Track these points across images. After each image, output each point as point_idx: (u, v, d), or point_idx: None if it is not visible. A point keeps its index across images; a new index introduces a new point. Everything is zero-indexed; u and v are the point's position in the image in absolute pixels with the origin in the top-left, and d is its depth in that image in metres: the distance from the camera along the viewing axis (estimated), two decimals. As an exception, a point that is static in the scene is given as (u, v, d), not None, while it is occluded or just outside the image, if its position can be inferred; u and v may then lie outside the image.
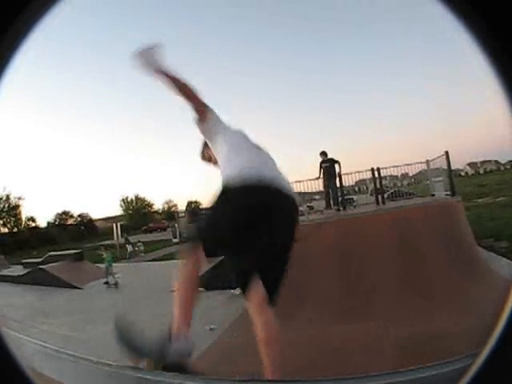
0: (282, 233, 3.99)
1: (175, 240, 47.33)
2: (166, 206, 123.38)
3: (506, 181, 70.80)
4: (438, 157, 18.34)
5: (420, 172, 22.80)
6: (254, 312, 4.14)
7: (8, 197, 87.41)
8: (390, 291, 12.27)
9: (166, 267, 26.97)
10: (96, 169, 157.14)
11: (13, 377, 1.26)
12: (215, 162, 4.83)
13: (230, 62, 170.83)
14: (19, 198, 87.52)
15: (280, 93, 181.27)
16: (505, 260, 15.53)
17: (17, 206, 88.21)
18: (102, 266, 27.04)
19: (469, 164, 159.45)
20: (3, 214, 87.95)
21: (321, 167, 18.21)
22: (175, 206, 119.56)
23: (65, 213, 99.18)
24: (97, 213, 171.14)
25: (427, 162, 19.72)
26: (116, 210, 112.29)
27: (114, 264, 25.97)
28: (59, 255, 30.21)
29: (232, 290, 15.70)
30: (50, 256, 30.28)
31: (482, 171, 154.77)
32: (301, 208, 19.56)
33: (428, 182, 20.49)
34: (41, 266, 26.53)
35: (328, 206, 18.43)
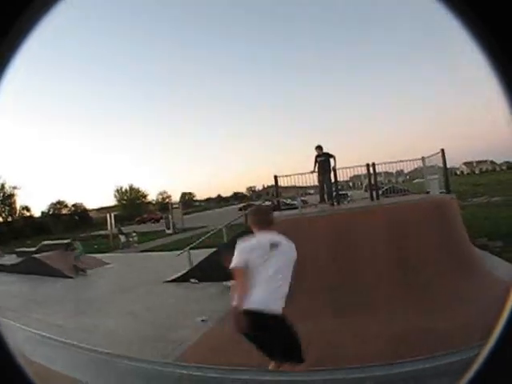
0: None
1: (168, 231, 47.80)
2: (160, 197, 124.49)
3: (501, 181, 71.10)
4: (434, 154, 18.30)
5: (415, 169, 22.71)
6: None
7: (3, 186, 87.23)
8: (383, 286, 12.34)
9: (159, 258, 27.12)
10: (91, 159, 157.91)
11: (12, 376, 1.23)
12: None
13: (232, 57, 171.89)
14: (14, 188, 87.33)
15: (279, 87, 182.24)
16: (498, 259, 15.56)
17: (11, 196, 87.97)
18: (95, 255, 27.26)
19: (465, 163, 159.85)
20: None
21: (316, 161, 18.10)
22: (169, 197, 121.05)
23: (59, 202, 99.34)
24: (91, 203, 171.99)
25: (423, 158, 19.64)
26: (110, 201, 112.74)
27: (107, 254, 27.30)
28: (53, 244, 30.19)
29: (224, 282, 15.72)
30: (43, 245, 30.25)
31: (477, 171, 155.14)
32: (295, 202, 19.59)
33: (423, 179, 20.47)
34: (34, 255, 26.51)
35: (322, 200, 18.33)
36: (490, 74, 1.08)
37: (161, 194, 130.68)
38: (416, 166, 21.30)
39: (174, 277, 18.27)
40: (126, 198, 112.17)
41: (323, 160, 17.78)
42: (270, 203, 25.03)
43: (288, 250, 5.91)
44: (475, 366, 1.14)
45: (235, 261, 5.62)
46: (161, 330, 11.79)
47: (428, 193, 18.67)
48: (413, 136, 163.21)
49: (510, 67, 1.06)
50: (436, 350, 5.45)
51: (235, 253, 5.70)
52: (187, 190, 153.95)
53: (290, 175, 19.32)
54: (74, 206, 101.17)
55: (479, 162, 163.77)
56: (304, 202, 20.17)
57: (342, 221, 14.41)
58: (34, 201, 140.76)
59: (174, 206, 57.75)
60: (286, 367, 5.70)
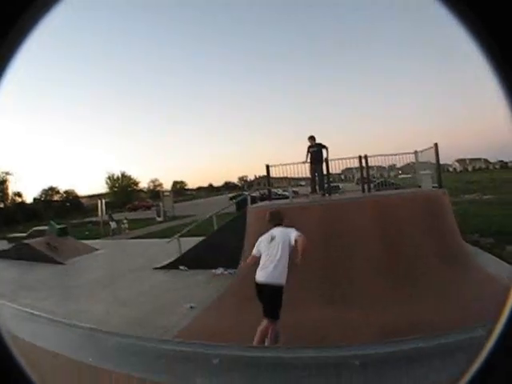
0: None
1: (159, 219, 48.09)
2: (152, 184, 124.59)
3: (494, 179, 71.37)
4: (427, 149, 18.25)
5: (408, 164, 22.67)
6: None
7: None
8: (372, 276, 12.38)
9: (149, 245, 27.15)
10: (84, 146, 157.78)
11: (11, 376, 1.24)
12: None
13: (224, 47, 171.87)
14: (7, 173, 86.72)
15: (274, 78, 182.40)
16: (489, 255, 15.61)
17: (4, 181, 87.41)
18: (86, 242, 27.44)
19: (457, 160, 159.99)
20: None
21: (308, 152, 18.04)
22: (160, 185, 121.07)
23: (51, 189, 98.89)
24: (83, 190, 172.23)
25: (415, 152, 19.62)
26: (102, 188, 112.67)
27: (97, 240, 28.83)
28: (43, 230, 30.19)
29: (213, 270, 15.75)
30: (34, 231, 30.26)
31: (470, 168, 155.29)
32: (286, 192, 19.60)
33: (415, 174, 20.45)
34: (25, 241, 26.45)
35: (313, 190, 18.25)
36: (489, 74, 1.08)
37: (152, 181, 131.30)
38: (409, 161, 21.28)
39: (163, 264, 18.33)
40: (117, 185, 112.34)
41: (316, 150, 17.70)
42: (258, 193, 25.01)
43: (282, 240, 8.48)
44: (476, 366, 1.14)
45: (253, 250, 9.08)
46: (149, 316, 11.87)
47: (420, 187, 18.65)
48: (407, 133, 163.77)
49: (510, 67, 1.06)
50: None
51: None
52: (179, 179, 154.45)
53: (282, 165, 19.21)
54: (65, 192, 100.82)
55: (472, 160, 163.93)
56: (295, 192, 20.14)
57: (332, 211, 14.41)
58: (27, 187, 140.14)
59: (165, 194, 58.21)
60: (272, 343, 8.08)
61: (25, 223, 64.42)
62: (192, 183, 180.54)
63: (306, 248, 7.99)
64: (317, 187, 18.25)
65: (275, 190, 23.56)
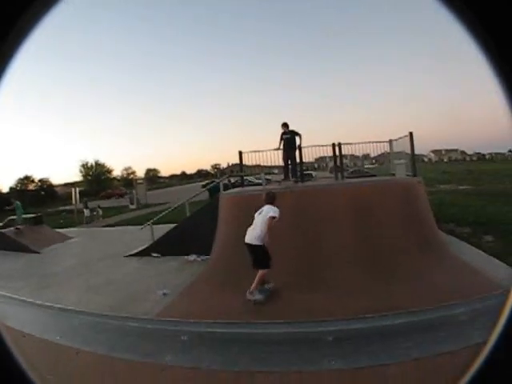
0: None
1: (132, 206, 48.18)
2: (125, 172, 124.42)
3: (471, 171, 71.96)
4: (402, 137, 18.25)
5: (382, 154, 22.65)
6: None
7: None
8: (345, 263, 12.44)
9: (122, 233, 27.13)
10: (58, 134, 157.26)
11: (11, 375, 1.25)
12: None
13: (204, 35, 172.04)
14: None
15: (250, 67, 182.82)
16: (466, 244, 15.71)
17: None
18: (60, 230, 27.35)
19: (433, 151, 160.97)
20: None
21: (281, 138, 17.96)
22: (134, 173, 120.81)
23: (26, 178, 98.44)
24: (58, 178, 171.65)
25: (390, 141, 19.66)
26: (76, 176, 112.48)
27: (72, 229, 29.00)
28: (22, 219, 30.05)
29: (186, 257, 15.72)
30: (9, 220, 30.01)
31: (446, 159, 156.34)
32: (259, 180, 19.58)
33: (390, 163, 20.46)
34: (0, 230, 26.19)
35: (286, 177, 18.17)
36: (471, 67, 1.03)
37: (126, 169, 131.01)
38: (383, 151, 21.25)
39: (136, 251, 18.31)
40: (91, 173, 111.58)
41: (289, 137, 17.64)
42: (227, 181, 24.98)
43: (264, 214, 11.08)
44: (475, 366, 1.14)
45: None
46: (122, 303, 11.83)
47: (393, 175, 18.66)
48: (383, 122, 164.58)
49: (509, 67, 1.05)
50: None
51: None
52: (152, 167, 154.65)
53: (255, 151, 19.17)
54: (40, 181, 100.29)
55: (448, 151, 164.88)
56: (268, 180, 20.09)
57: (305, 197, 14.49)
58: (3, 176, 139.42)
59: (139, 181, 58.59)
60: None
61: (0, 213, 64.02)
62: (165, 171, 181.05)
63: (268, 227, 10.89)
64: (290, 174, 18.19)
65: (248, 178, 23.57)
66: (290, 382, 3.97)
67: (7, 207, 27.16)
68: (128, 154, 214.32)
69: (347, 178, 19.63)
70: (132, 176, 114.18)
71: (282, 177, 18.88)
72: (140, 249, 18.20)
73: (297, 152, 18.02)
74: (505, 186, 39.25)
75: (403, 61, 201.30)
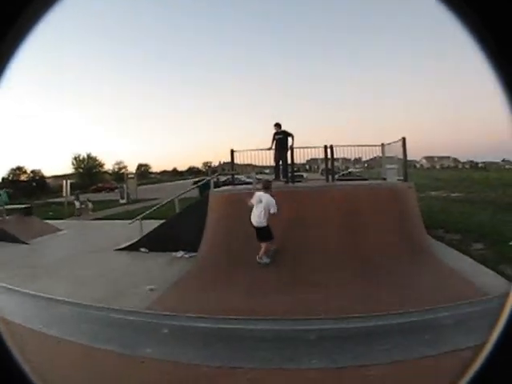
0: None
1: (122, 201, 48.19)
2: (117, 167, 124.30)
3: (463, 178, 71.98)
4: (395, 142, 18.26)
5: (374, 158, 22.65)
6: None
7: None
8: (333, 264, 12.48)
9: (112, 226, 27.10)
10: (52, 126, 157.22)
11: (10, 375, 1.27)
12: None
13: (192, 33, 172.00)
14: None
15: (246, 67, 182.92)
16: (454, 251, 15.71)
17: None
18: (50, 222, 27.29)
19: (425, 157, 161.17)
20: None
21: (274, 138, 18.15)
22: (125, 167, 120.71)
23: (19, 168, 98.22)
24: (50, 170, 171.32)
25: (382, 146, 19.66)
26: (68, 168, 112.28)
27: (62, 221, 29.11)
28: (8, 209, 29.89)
29: (174, 253, 15.71)
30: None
31: (438, 166, 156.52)
32: (250, 179, 19.65)
33: (381, 168, 20.46)
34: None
35: (277, 177, 18.21)
36: (466, 72, 1.04)
37: (117, 163, 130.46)
38: (375, 155, 21.26)
39: (124, 245, 18.26)
40: (83, 166, 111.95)
41: (281, 138, 17.69)
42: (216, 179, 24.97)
43: (265, 202, 13.33)
44: (475, 366, 1.14)
45: (252, 200, 13.63)
46: (109, 297, 11.70)
47: (385, 179, 18.69)
48: (376, 128, 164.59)
49: (509, 67, 1.06)
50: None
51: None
52: (144, 162, 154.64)
53: (246, 150, 19.19)
54: (32, 172, 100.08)
55: (441, 158, 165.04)
56: (259, 179, 20.12)
57: (294, 198, 14.66)
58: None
59: (130, 176, 58.21)
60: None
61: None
62: (156, 167, 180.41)
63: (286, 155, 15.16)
64: (280, 174, 18.22)
65: (239, 176, 23.60)
66: (269, 379, 3.98)
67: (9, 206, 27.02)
68: (121, 149, 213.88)
69: (338, 180, 19.60)
70: (123, 170, 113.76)
71: (273, 177, 18.91)
72: (129, 243, 18.15)
73: (288, 153, 18.04)
74: (497, 194, 39.29)
75: (400, 64, 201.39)
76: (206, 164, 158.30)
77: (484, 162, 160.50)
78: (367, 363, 4.09)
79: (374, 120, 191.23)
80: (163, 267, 14.79)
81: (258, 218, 13.52)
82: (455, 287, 10.59)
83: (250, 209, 13.77)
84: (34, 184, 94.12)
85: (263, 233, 13.55)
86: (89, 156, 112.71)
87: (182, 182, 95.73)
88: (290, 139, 17.74)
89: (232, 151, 18.96)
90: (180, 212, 18.13)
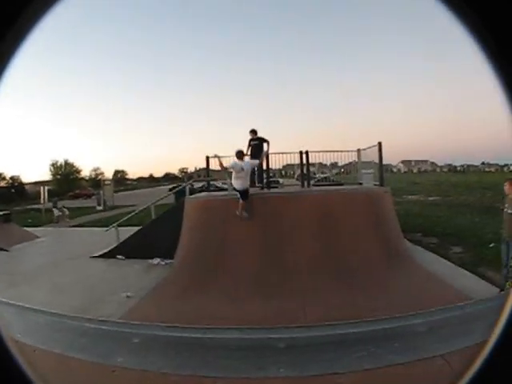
0: None
1: (99, 208, 48.09)
2: (94, 173, 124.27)
3: (441, 182, 72.38)
4: (371, 147, 18.31)
5: (350, 163, 22.67)
6: None
7: None
8: (309, 270, 12.53)
9: (89, 234, 27.10)
10: (30, 132, 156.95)
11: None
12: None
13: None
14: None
15: (224, 71, 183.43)
16: (432, 254, 15.85)
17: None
18: (29, 229, 27.23)
19: (402, 161, 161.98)
20: None
21: (249, 144, 18.10)
22: (102, 173, 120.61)
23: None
24: (28, 176, 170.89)
25: (358, 151, 19.70)
26: (46, 175, 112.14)
27: (40, 228, 29.34)
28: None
29: (150, 260, 15.71)
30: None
31: (415, 170, 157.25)
32: (225, 185, 19.81)
33: (357, 172, 20.50)
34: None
35: (252, 183, 18.18)
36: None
37: (94, 170, 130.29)
38: (351, 160, 21.29)
39: (101, 252, 18.22)
40: (60, 172, 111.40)
41: (256, 144, 17.69)
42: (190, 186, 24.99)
43: (246, 168, 14.91)
44: (475, 366, 1.15)
45: (232, 167, 14.85)
46: (86, 305, 11.71)
47: (361, 184, 18.75)
48: (353, 133, 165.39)
49: (509, 67, 1.07)
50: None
51: (232, 164, 14.93)
52: (120, 168, 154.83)
53: (222, 157, 19.20)
54: (11, 178, 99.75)
55: (418, 162, 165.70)
56: (231, 184, 20.19)
57: (269, 203, 14.82)
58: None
59: (106, 182, 58.12)
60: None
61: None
62: (133, 173, 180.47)
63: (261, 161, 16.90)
64: (255, 180, 18.24)
65: (215, 183, 23.61)
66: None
67: None
68: (98, 155, 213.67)
69: (314, 185, 19.61)
70: (100, 177, 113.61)
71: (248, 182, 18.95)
72: (105, 250, 18.13)
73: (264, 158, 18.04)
74: (476, 198, 39.53)
75: (374, 68, 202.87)
76: (182, 170, 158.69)
77: (463, 166, 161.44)
78: (338, 371, 4.09)
79: (352, 125, 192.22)
80: (140, 274, 14.81)
81: (244, 182, 15.18)
82: (432, 290, 10.65)
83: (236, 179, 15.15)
84: (13, 190, 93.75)
85: (246, 193, 15.19)
86: (66, 162, 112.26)
87: (158, 188, 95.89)
88: (265, 145, 17.77)
89: (207, 157, 18.82)
90: (156, 219, 18.17)
